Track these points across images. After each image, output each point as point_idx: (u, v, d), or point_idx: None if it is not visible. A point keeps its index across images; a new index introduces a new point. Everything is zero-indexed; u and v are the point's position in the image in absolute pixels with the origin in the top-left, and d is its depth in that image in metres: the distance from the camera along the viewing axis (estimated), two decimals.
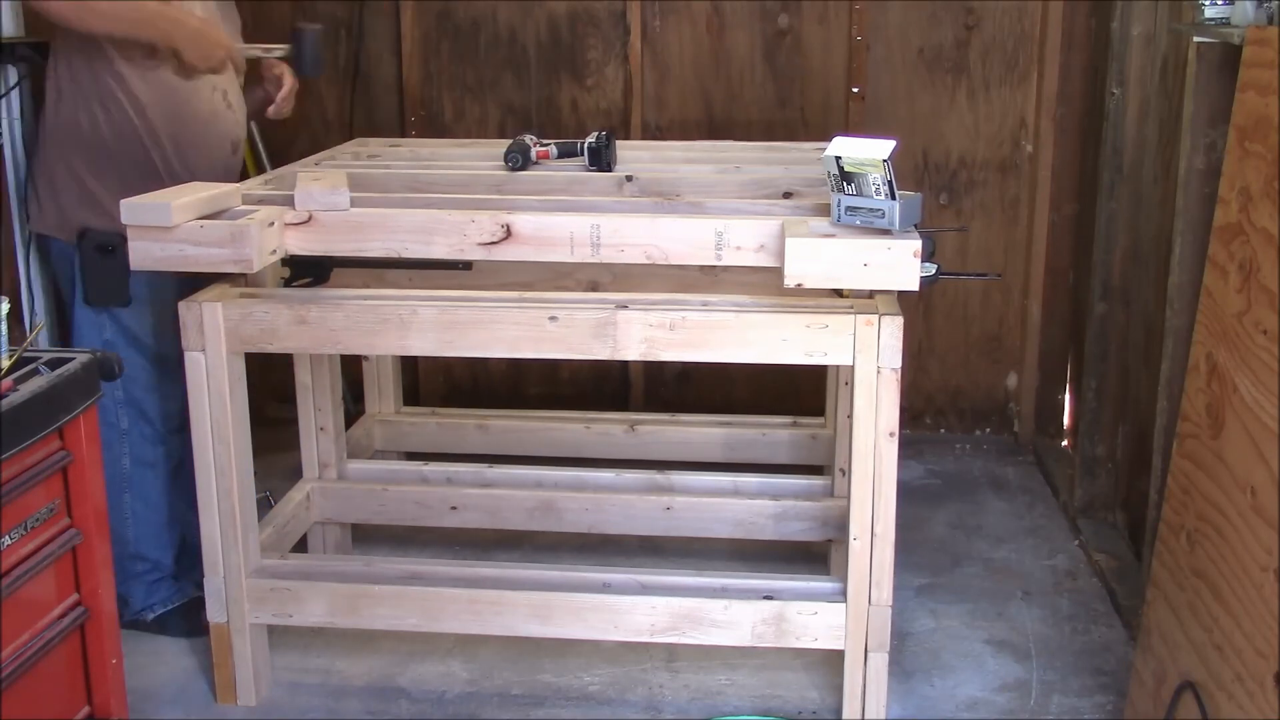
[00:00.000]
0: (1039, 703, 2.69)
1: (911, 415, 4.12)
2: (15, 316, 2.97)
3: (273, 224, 2.37)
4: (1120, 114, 3.21)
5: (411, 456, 3.56)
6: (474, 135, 4.06)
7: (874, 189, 2.29)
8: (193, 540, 2.74)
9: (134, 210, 2.36)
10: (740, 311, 2.41)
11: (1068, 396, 3.89)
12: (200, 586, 2.65)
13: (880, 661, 2.51)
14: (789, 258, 2.21)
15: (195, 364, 2.46)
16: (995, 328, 4.09)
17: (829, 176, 2.33)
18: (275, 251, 2.40)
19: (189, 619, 2.86)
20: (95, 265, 2.68)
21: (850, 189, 2.31)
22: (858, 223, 2.31)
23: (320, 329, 2.46)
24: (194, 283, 2.57)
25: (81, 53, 2.66)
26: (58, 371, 2.06)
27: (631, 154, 3.30)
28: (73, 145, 2.69)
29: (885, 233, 2.29)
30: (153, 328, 2.77)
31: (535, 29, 4.00)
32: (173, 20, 2.67)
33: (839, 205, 2.33)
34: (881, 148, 2.26)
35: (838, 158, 2.29)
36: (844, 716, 2.54)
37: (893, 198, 2.28)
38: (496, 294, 2.53)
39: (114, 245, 2.62)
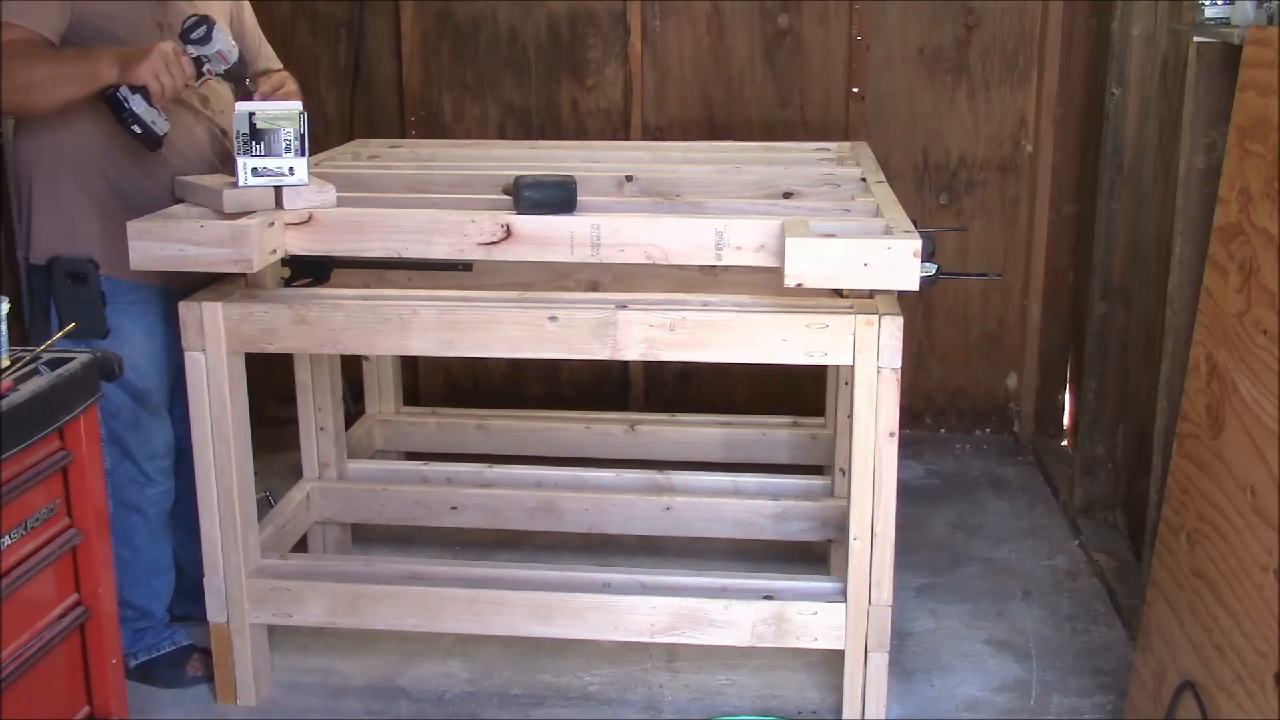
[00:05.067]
0: (1039, 703, 2.68)
1: (911, 415, 4.12)
2: (15, 316, 2.97)
3: (273, 224, 2.37)
4: (1120, 114, 3.21)
5: (411, 456, 3.56)
6: (474, 135, 4.06)
7: (284, 145, 2.36)
8: (193, 575, 2.63)
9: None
10: (740, 311, 2.41)
11: (1068, 396, 3.89)
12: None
13: (880, 661, 2.51)
14: (789, 258, 2.21)
15: (195, 364, 2.46)
16: (995, 328, 4.09)
17: (237, 137, 2.36)
18: (275, 251, 2.40)
19: (175, 667, 2.72)
20: (67, 294, 2.50)
21: (259, 149, 2.36)
22: (264, 183, 2.38)
23: (320, 329, 2.46)
24: (173, 313, 2.47)
25: None
26: (58, 371, 2.05)
27: (631, 154, 3.30)
28: (53, 165, 2.50)
29: (885, 233, 2.30)
30: (134, 362, 2.54)
31: (535, 29, 4.00)
32: (97, 54, 2.40)
33: (244, 169, 2.37)
34: (294, 105, 2.40)
35: (251, 114, 2.35)
36: (844, 716, 2.54)
37: (303, 153, 2.37)
38: (496, 294, 2.54)
39: (85, 273, 2.47)
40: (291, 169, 2.39)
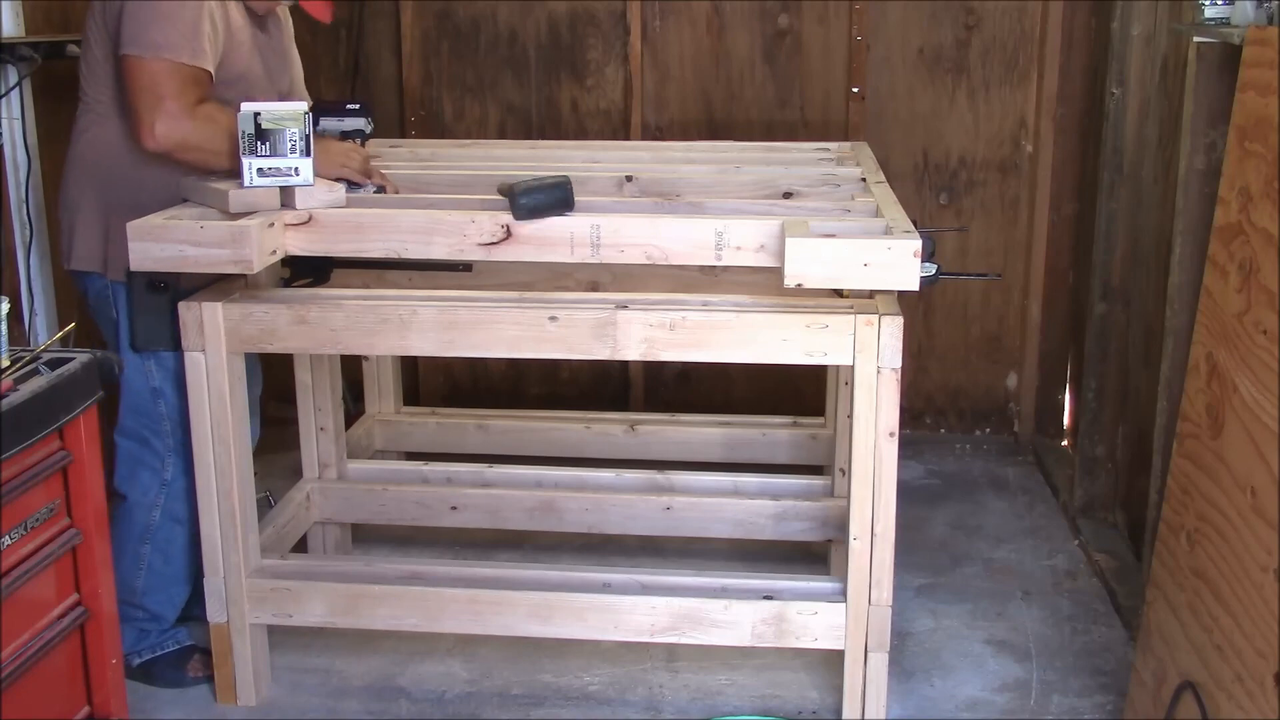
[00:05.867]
0: (1039, 703, 2.69)
1: (911, 415, 4.12)
2: (15, 316, 2.98)
3: (273, 224, 2.37)
4: (1120, 114, 3.21)
5: (411, 456, 3.56)
6: (474, 135, 4.06)
7: (290, 146, 2.36)
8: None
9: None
10: (740, 311, 2.41)
11: (1068, 396, 3.89)
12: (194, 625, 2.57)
13: (880, 661, 2.51)
14: (789, 258, 2.21)
15: (195, 364, 2.46)
16: (995, 328, 4.09)
17: (242, 137, 2.36)
18: (275, 252, 2.40)
19: (176, 668, 2.72)
20: (146, 305, 2.49)
21: (264, 149, 2.36)
22: (270, 183, 2.38)
23: (320, 329, 2.46)
24: None
25: None
26: (58, 371, 2.05)
27: (631, 154, 3.30)
28: (129, 172, 2.52)
29: (885, 233, 2.30)
30: None
31: (535, 29, 4.00)
32: None
33: (250, 170, 2.37)
34: (300, 105, 2.40)
35: (256, 114, 2.35)
36: (844, 716, 2.54)
37: (308, 154, 2.38)
38: (496, 294, 2.54)
39: (167, 282, 2.45)
40: (297, 169, 2.39)
